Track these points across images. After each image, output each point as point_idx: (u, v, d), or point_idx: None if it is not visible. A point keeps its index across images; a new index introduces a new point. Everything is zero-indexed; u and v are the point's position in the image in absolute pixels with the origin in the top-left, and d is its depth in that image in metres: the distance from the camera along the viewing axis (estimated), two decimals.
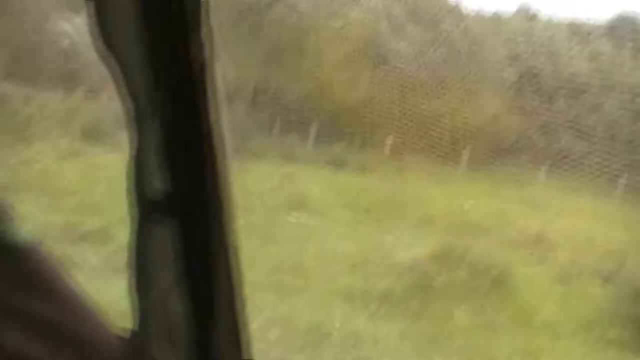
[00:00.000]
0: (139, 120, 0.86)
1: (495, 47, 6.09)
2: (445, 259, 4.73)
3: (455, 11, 6.10)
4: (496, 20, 6.18)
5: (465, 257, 4.74)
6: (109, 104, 5.72)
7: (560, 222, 6.32)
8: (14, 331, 1.05)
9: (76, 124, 5.26)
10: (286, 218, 4.66)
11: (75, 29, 5.20)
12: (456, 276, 4.64)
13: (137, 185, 0.87)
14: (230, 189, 0.82)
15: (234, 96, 5.05)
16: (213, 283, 0.86)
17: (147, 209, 0.87)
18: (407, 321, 4.36)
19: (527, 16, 6.14)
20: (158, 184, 0.85)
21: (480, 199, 6.03)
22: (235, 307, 0.85)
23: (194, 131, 0.82)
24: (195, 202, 0.84)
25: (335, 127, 5.75)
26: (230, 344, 0.88)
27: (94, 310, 1.03)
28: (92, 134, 5.23)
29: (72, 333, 1.09)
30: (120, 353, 1.08)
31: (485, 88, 6.16)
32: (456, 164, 6.18)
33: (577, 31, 5.96)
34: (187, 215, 0.85)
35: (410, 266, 4.75)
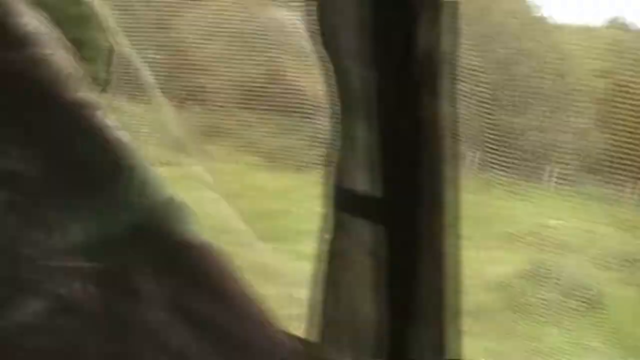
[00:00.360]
0: (348, 121, 0.85)
1: (584, 60, 5.93)
2: (535, 277, 4.60)
3: (542, 23, 5.99)
4: (586, 32, 6.03)
5: (555, 275, 4.60)
6: (193, 116, 5.83)
7: None
8: (181, 330, 1.05)
9: (164, 134, 5.40)
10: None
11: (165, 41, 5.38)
12: (546, 295, 4.51)
13: (338, 186, 0.86)
14: (455, 194, 0.80)
15: (316, 112, 5.08)
16: (417, 291, 0.82)
17: (348, 210, 0.85)
18: (496, 339, 4.26)
19: (619, 28, 5.97)
20: (363, 184, 0.83)
21: (567, 217, 5.86)
22: (442, 319, 0.82)
23: (412, 134, 0.80)
24: (405, 206, 0.81)
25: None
26: (428, 356, 0.85)
27: (267, 315, 1.02)
28: (180, 145, 5.35)
29: (241, 336, 1.08)
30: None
31: (573, 103, 6.00)
32: (542, 180, 6.03)
33: None
34: (395, 219, 0.83)
35: (498, 283, 4.65)
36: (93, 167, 1.07)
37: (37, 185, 1.08)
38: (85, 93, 1.12)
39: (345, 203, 0.84)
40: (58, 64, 1.12)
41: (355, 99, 0.81)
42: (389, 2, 0.78)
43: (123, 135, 1.08)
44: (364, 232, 0.83)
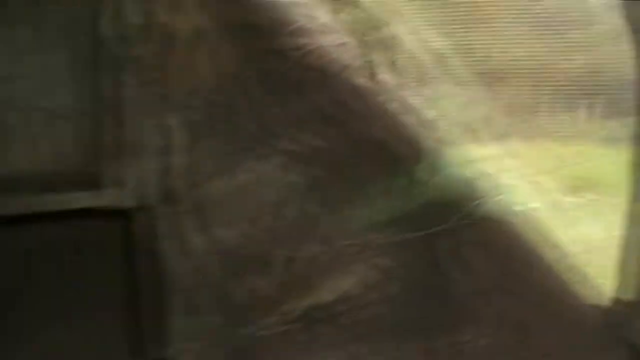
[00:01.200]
0: None
1: None
2: None
3: None
4: None
5: None
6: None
7: None
8: (498, 300, 1.11)
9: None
10: (571, 200, 4.47)
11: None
12: None
13: None
14: None
15: (502, 77, 4.95)
16: None
17: None
18: None
19: None
20: None
21: None
22: None
23: None
24: None
25: (610, 102, 5.38)
26: None
27: (571, 287, 1.07)
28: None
29: (551, 307, 1.14)
30: (598, 326, 1.11)
31: None
32: None
33: None
34: None
35: None
36: (389, 147, 1.18)
37: (338, 162, 1.21)
38: (373, 80, 1.24)
39: None
40: (348, 53, 1.26)
41: None
42: None
43: (411, 119, 1.19)
44: None
